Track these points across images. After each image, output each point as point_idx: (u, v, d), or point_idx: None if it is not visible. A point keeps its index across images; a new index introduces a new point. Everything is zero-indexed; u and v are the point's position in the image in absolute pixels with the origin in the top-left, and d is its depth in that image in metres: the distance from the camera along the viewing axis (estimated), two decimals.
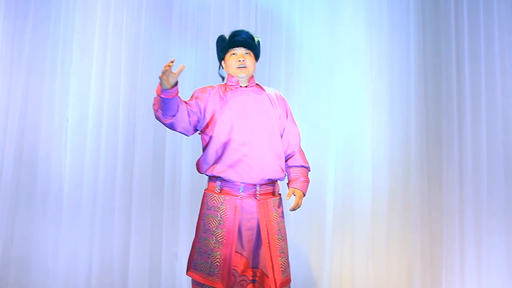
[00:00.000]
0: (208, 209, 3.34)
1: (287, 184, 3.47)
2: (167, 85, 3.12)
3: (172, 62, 3.06)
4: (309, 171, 3.54)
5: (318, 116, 4.76)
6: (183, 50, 4.74)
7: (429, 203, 4.69)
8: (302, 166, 3.48)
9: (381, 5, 4.86)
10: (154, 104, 3.28)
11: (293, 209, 3.42)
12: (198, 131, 3.46)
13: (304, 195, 3.45)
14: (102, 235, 4.61)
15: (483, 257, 4.52)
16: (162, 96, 3.16)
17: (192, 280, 3.38)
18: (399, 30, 4.85)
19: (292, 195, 3.41)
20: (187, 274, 3.40)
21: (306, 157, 3.55)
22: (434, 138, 4.74)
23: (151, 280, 4.62)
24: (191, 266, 3.36)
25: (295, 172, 3.46)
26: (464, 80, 4.68)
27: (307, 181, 3.48)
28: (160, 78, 3.09)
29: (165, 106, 3.21)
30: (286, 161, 3.48)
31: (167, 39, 4.77)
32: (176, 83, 3.16)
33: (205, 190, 3.42)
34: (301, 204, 3.42)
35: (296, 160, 3.48)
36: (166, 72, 3.07)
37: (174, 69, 3.13)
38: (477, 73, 4.67)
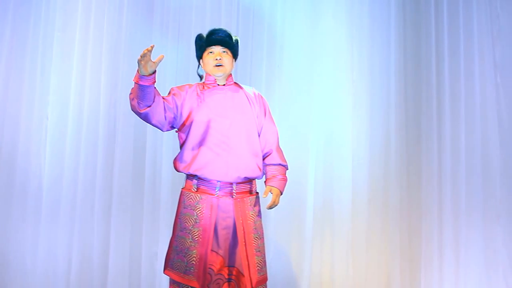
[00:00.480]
0: (184, 208, 3.34)
1: (264, 182, 3.47)
2: (144, 71, 3.13)
3: (152, 47, 3.09)
4: (287, 169, 3.54)
5: (298, 116, 4.77)
6: (165, 49, 4.71)
7: (409, 203, 4.72)
8: (280, 165, 3.48)
9: (362, 6, 4.88)
10: (130, 94, 3.27)
11: (270, 207, 3.41)
12: (175, 129, 3.46)
13: (282, 194, 3.44)
14: (82, 233, 4.58)
15: (461, 256, 4.57)
16: (140, 82, 3.16)
17: (170, 279, 3.38)
18: (380, 30, 4.88)
19: (269, 193, 3.41)
20: (164, 272, 3.40)
21: (285, 156, 3.55)
22: (414, 138, 4.77)
23: (130, 279, 4.60)
24: (168, 265, 3.37)
25: (272, 170, 3.46)
26: (443, 81, 4.73)
27: (285, 180, 3.48)
28: (139, 62, 3.10)
29: (142, 94, 3.20)
30: (263, 159, 3.47)
31: (148, 38, 4.75)
32: (154, 72, 3.17)
33: (182, 188, 3.42)
34: (278, 203, 3.41)
35: (273, 158, 3.47)
36: (144, 56, 3.08)
37: (153, 58, 3.15)
38: (457, 74, 4.72)
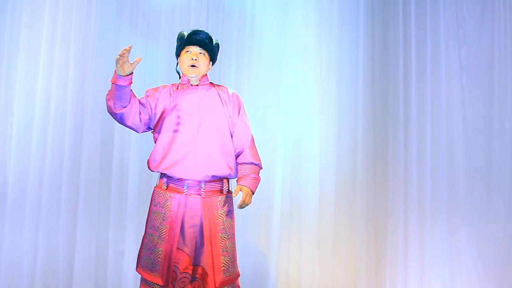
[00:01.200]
0: (155, 205, 3.37)
1: (236, 181, 3.45)
2: (121, 71, 3.19)
3: (130, 47, 3.16)
4: (261, 168, 3.51)
5: (267, 116, 4.78)
6: (133, 48, 4.64)
7: (375, 203, 4.76)
8: (252, 163, 3.45)
9: (331, 6, 4.90)
10: (107, 95, 3.33)
11: (241, 207, 3.38)
12: (151, 130, 3.48)
13: (253, 193, 3.41)
14: (47, 231, 4.52)
15: (425, 255, 4.62)
16: (117, 82, 3.22)
17: (141, 277, 3.38)
18: (348, 32, 4.91)
19: (240, 192, 3.39)
20: (136, 270, 3.42)
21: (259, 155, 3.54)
22: (381, 139, 4.82)
23: (96, 279, 4.55)
24: (139, 263, 3.39)
25: (244, 169, 3.43)
26: (410, 83, 4.78)
27: (257, 179, 3.45)
28: (117, 61, 3.15)
29: (118, 94, 3.25)
30: (236, 158, 3.46)
31: (116, 36, 4.71)
32: (131, 73, 3.24)
33: (154, 187, 3.44)
34: (249, 202, 3.38)
35: (245, 157, 3.45)
36: (123, 56, 3.14)
37: (131, 60, 3.21)
38: (423, 76, 4.78)
